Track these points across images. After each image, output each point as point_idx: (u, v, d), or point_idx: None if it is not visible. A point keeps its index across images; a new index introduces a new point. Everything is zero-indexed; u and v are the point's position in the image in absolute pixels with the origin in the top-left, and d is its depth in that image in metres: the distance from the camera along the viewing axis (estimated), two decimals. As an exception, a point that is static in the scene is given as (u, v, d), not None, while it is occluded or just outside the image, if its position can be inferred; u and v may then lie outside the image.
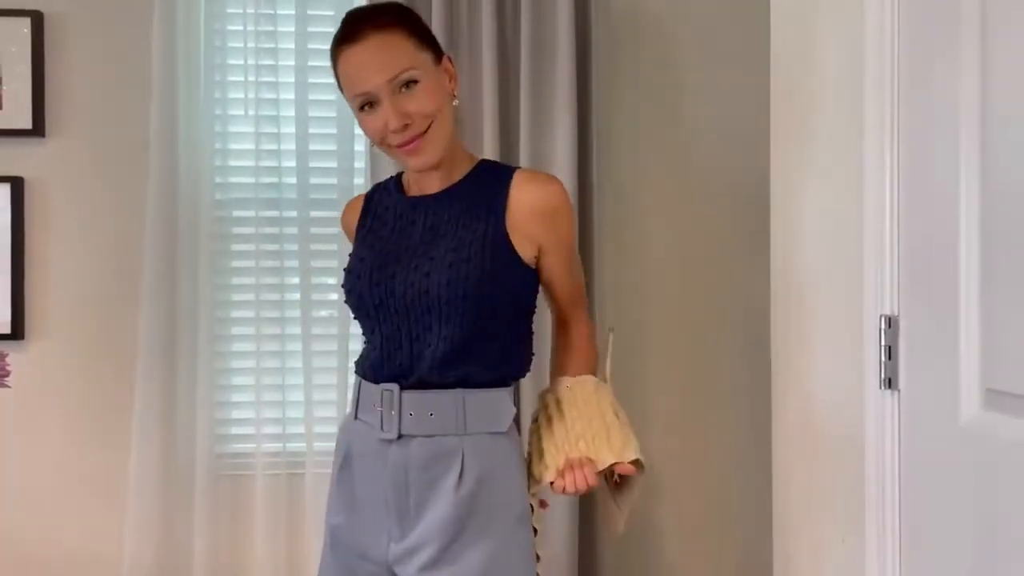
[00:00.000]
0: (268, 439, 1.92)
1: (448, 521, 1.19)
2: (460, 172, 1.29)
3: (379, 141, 1.23)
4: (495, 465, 1.22)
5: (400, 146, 1.21)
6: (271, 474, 1.91)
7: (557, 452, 1.24)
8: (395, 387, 1.22)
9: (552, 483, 1.23)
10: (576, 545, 1.88)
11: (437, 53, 1.26)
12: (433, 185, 1.28)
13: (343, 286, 1.31)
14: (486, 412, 1.23)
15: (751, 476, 1.90)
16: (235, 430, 1.97)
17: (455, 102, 1.26)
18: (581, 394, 1.27)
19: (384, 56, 1.18)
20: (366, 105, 1.21)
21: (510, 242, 1.23)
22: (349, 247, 1.34)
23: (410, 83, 1.19)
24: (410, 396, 1.22)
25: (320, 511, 1.88)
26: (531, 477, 1.27)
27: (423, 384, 1.22)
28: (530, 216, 1.23)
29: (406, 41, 1.20)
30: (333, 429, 1.92)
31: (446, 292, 1.19)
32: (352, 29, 1.21)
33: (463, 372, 1.21)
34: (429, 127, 1.20)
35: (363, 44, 1.19)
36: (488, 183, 1.27)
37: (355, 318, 1.31)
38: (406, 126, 1.19)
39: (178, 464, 1.88)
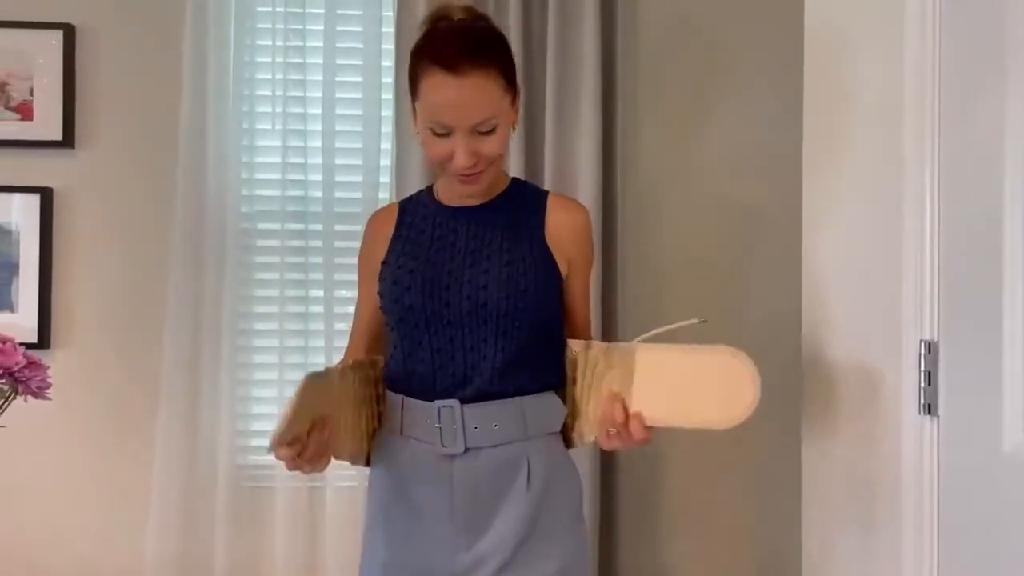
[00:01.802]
0: (290, 452, 1.92)
1: (521, 522, 1.22)
2: (498, 187, 1.32)
3: (437, 163, 1.24)
4: (555, 464, 1.27)
5: (459, 175, 1.23)
6: (291, 486, 1.91)
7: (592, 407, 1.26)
8: (455, 403, 1.23)
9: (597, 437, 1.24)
10: (596, 545, 1.88)
11: (515, 90, 1.25)
12: (473, 198, 1.30)
13: (382, 294, 1.29)
14: (543, 415, 1.27)
15: (777, 500, 1.89)
16: (257, 442, 1.97)
17: (513, 133, 1.28)
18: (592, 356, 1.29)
19: (476, 101, 1.17)
20: (437, 130, 1.20)
21: (554, 258, 1.28)
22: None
23: (489, 128, 1.19)
24: (471, 410, 1.23)
25: (339, 524, 1.89)
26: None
27: (482, 396, 1.23)
28: (566, 236, 1.29)
29: (497, 85, 1.19)
30: (354, 442, 1.93)
31: (505, 305, 1.22)
32: (450, 55, 1.16)
33: (520, 382, 1.24)
34: (490, 165, 1.23)
35: (458, 80, 1.15)
36: (524, 202, 1.32)
37: (394, 328, 1.29)
38: (473, 164, 1.21)
39: (200, 475, 1.88)
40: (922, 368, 1.10)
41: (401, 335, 1.28)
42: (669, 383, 1.17)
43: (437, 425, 1.23)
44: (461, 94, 1.16)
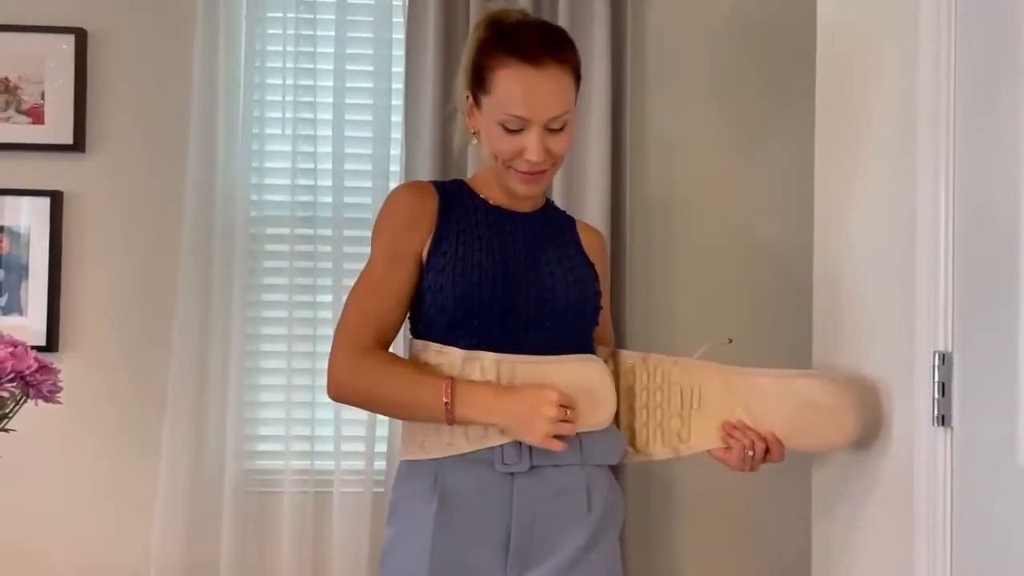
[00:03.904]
0: (296, 456, 1.91)
1: (583, 540, 1.20)
2: (540, 201, 1.35)
3: (504, 160, 1.22)
4: (612, 488, 1.27)
5: (523, 172, 1.22)
6: (298, 491, 1.90)
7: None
8: None
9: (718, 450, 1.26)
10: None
11: (577, 94, 1.26)
12: (523, 204, 1.31)
13: (441, 288, 1.21)
14: (599, 443, 1.25)
15: (787, 510, 1.87)
16: (264, 446, 1.96)
17: None
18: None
19: (557, 94, 1.18)
20: (510, 125, 1.19)
21: (596, 272, 1.32)
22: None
23: (562, 125, 1.20)
24: None
25: (344, 529, 1.89)
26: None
27: None
28: (596, 255, 1.34)
29: (572, 83, 1.21)
30: (361, 447, 1.92)
31: (574, 310, 1.24)
32: (533, 50, 1.17)
33: None
34: (552, 166, 1.24)
35: (542, 72, 1.17)
36: (560, 219, 1.36)
37: (446, 330, 1.22)
38: (543, 160, 1.21)
39: (206, 480, 1.88)
40: (936, 379, 1.10)
41: (456, 338, 1.22)
42: (772, 407, 1.23)
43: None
44: (543, 84, 1.17)
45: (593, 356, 1.26)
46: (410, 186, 1.32)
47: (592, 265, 1.32)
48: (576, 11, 1.90)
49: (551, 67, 1.17)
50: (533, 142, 1.17)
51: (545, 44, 1.18)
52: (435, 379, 1.19)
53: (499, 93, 1.18)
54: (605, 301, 1.36)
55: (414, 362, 1.26)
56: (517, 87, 1.17)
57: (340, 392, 1.23)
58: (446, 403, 1.16)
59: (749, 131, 2.01)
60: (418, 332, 1.28)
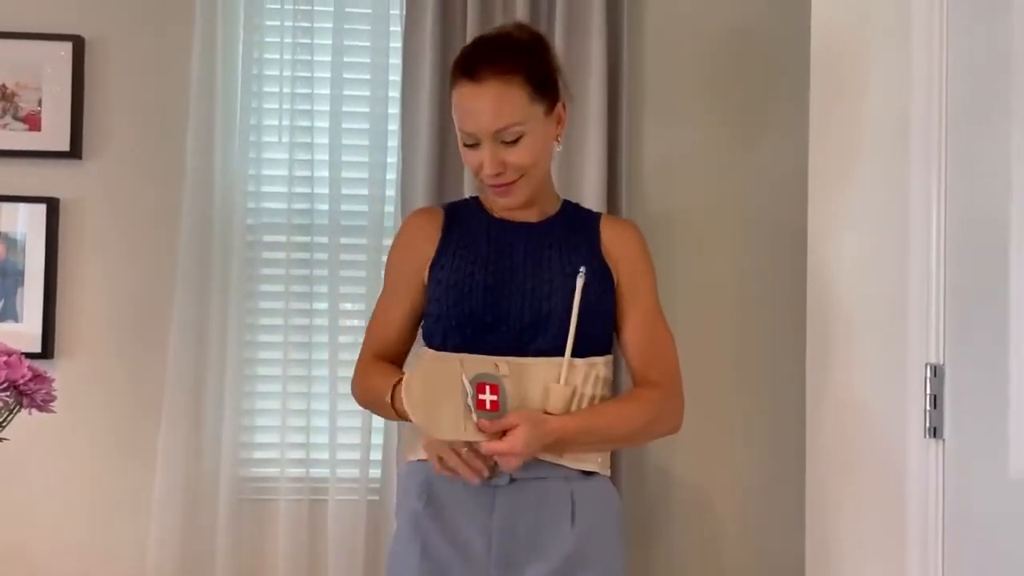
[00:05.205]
0: (292, 464, 1.92)
1: (565, 553, 1.18)
2: (553, 207, 1.33)
3: (474, 175, 1.26)
4: (599, 500, 1.23)
5: (491, 185, 1.24)
6: (293, 499, 1.90)
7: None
8: None
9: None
10: None
11: (552, 100, 1.24)
12: (530, 215, 1.31)
13: (438, 299, 1.24)
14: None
15: (783, 526, 1.87)
16: (259, 454, 1.96)
17: (558, 147, 1.29)
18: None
19: (496, 107, 1.17)
20: (465, 141, 1.22)
21: (611, 273, 1.27)
22: (378, 274, 1.34)
23: (514, 137, 1.19)
24: None
25: (340, 537, 1.89)
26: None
27: None
28: (618, 250, 1.29)
29: (522, 92, 1.19)
30: (357, 455, 1.92)
31: (567, 317, 1.20)
32: (473, 64, 1.19)
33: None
34: (522, 176, 1.22)
35: (480, 87, 1.17)
36: (579, 221, 1.32)
37: (443, 340, 1.24)
38: (499, 173, 1.21)
39: (202, 487, 1.88)
40: (928, 392, 1.10)
41: (450, 348, 1.23)
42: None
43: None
44: (480, 99, 1.18)
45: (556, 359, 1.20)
46: (418, 212, 1.40)
47: (605, 267, 1.27)
48: (572, 26, 1.91)
49: (490, 81, 1.17)
50: (485, 155, 1.19)
51: (484, 58, 1.19)
52: (394, 378, 1.23)
53: (454, 113, 1.22)
54: (643, 294, 1.28)
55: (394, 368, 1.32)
56: (462, 104, 1.20)
57: (355, 398, 1.37)
58: (388, 400, 1.22)
59: (745, 144, 2.02)
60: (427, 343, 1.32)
